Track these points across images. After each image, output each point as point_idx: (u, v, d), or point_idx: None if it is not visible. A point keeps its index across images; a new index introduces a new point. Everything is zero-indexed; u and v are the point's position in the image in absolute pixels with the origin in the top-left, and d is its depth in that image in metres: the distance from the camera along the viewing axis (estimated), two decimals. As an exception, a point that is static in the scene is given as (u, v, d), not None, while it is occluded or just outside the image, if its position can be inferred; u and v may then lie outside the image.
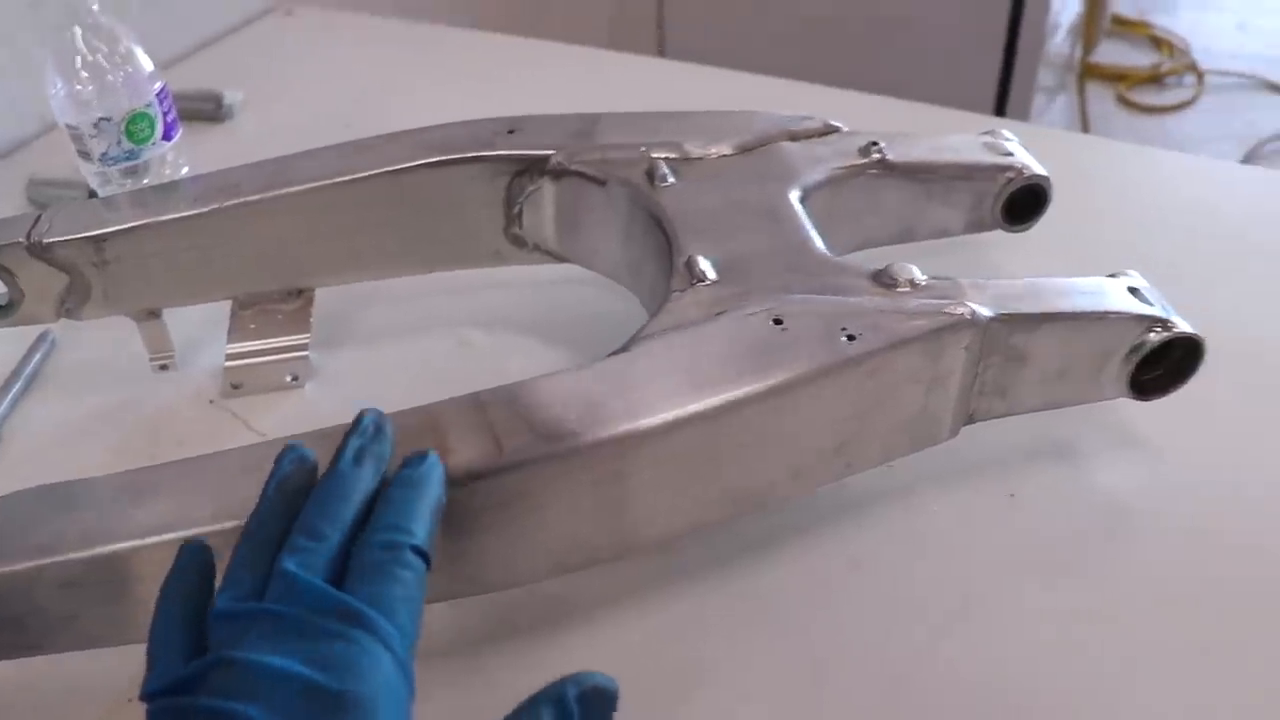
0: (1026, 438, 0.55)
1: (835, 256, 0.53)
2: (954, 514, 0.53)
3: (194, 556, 0.38)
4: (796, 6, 1.62)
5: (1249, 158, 2.13)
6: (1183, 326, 0.50)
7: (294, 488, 0.39)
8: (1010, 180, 0.62)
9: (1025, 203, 0.63)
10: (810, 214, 0.56)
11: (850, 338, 0.45)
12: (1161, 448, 0.56)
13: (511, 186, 0.61)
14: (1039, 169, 0.62)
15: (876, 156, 0.60)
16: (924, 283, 0.49)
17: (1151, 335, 0.50)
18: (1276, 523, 0.52)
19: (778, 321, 0.47)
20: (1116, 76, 2.44)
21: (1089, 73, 2.43)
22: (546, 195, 0.61)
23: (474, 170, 0.61)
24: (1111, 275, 0.52)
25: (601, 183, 0.59)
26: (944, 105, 0.85)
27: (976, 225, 0.64)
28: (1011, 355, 0.49)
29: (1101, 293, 0.51)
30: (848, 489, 0.50)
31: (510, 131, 0.62)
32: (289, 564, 0.35)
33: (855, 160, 0.60)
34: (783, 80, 0.90)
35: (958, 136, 0.64)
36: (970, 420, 0.51)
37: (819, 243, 0.53)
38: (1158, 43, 2.56)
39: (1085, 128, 2.20)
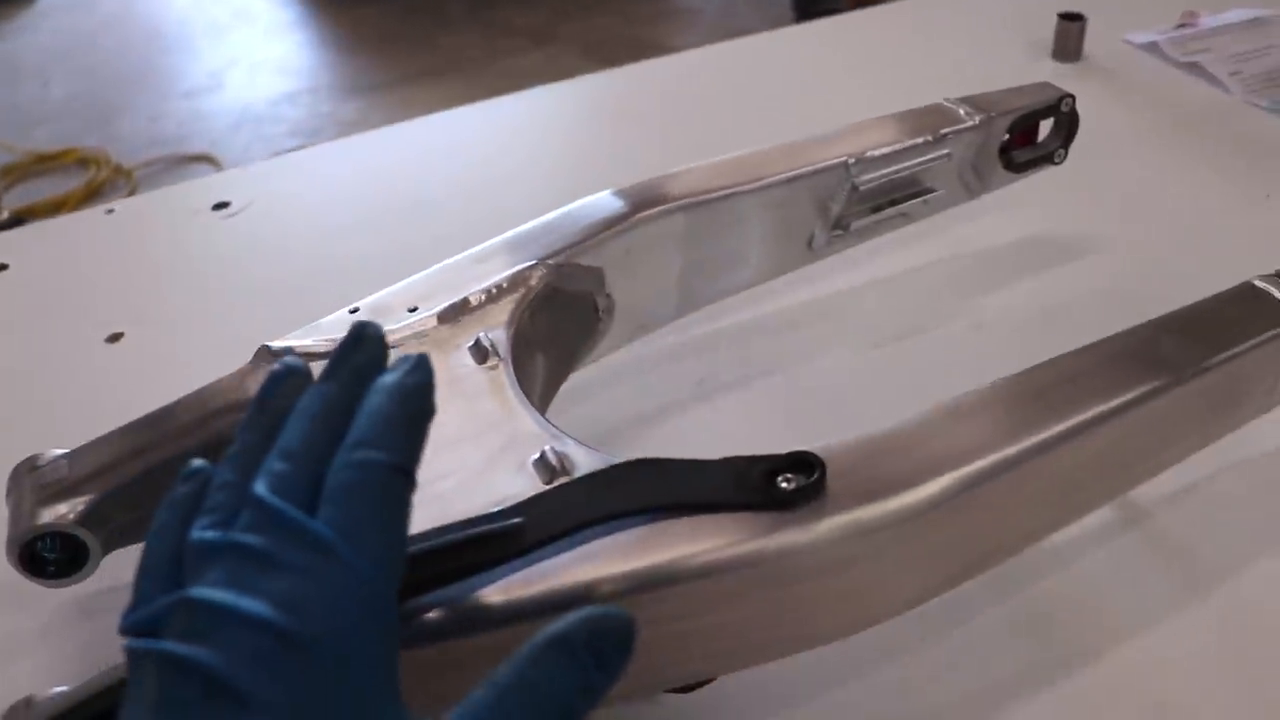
0: None
1: None
2: None
3: (194, 477, 0.34)
4: None
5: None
6: None
7: (281, 405, 0.34)
8: None
9: None
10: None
11: None
12: None
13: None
14: None
15: None
16: None
17: None
18: None
19: None
20: (56, 207, 2.51)
21: (28, 213, 2.47)
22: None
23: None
24: None
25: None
26: None
27: None
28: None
29: None
30: None
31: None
32: (260, 488, 0.31)
33: None
34: None
35: None
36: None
37: None
38: (86, 161, 2.69)
39: None
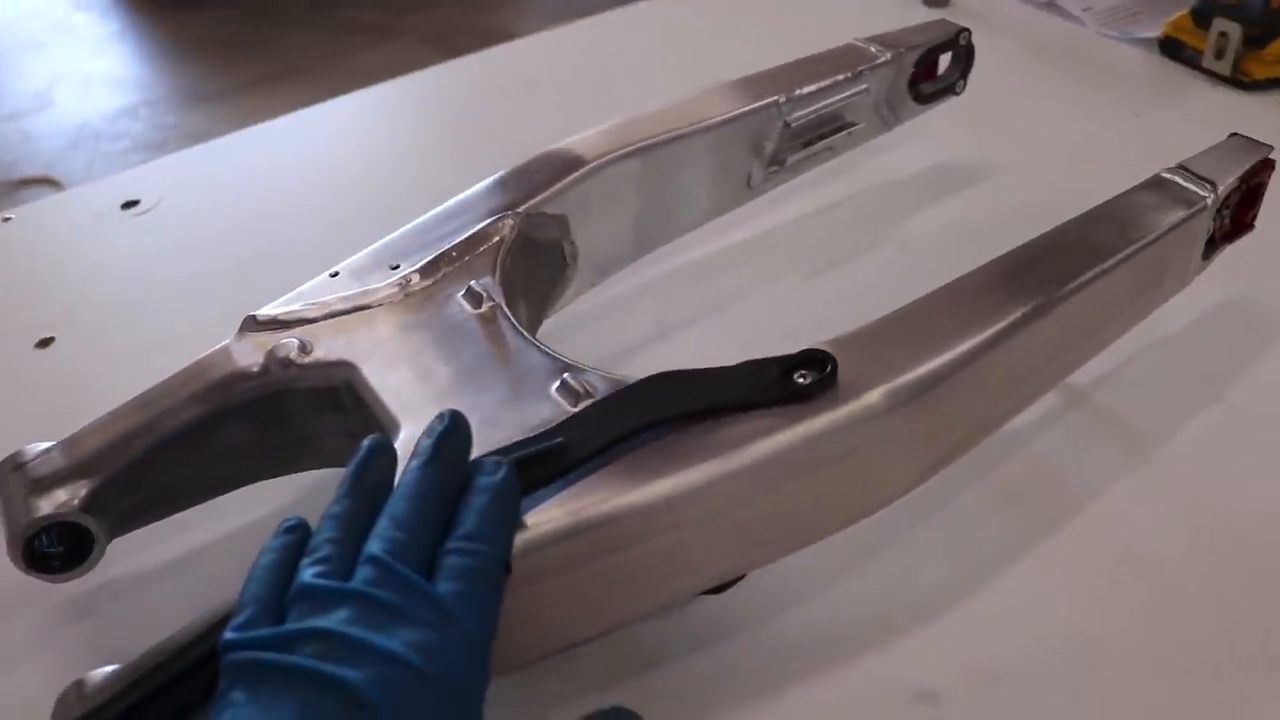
0: None
1: None
2: None
3: (296, 529, 0.38)
4: None
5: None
6: None
7: (375, 478, 0.39)
8: None
9: None
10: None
11: None
12: None
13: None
14: None
15: None
16: None
17: None
18: None
19: None
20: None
21: None
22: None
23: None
24: None
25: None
26: None
27: None
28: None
29: None
30: None
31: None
32: (380, 551, 0.36)
33: None
34: None
35: None
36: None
37: None
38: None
39: None
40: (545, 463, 0.40)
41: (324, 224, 0.76)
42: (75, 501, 0.45)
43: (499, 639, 0.38)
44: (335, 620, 0.34)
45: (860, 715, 0.44)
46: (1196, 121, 0.81)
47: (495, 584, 0.37)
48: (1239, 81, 0.85)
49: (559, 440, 0.40)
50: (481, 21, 3.05)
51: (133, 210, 0.80)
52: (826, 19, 0.97)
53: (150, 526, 0.50)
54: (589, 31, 1.05)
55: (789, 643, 0.47)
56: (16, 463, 0.47)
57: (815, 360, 0.43)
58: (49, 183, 2.46)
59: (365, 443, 0.40)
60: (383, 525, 0.37)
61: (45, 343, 0.67)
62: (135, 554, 0.52)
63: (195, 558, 0.53)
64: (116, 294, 0.72)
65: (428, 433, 0.39)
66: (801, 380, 0.42)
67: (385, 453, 0.40)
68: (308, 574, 0.35)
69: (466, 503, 0.38)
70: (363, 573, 0.35)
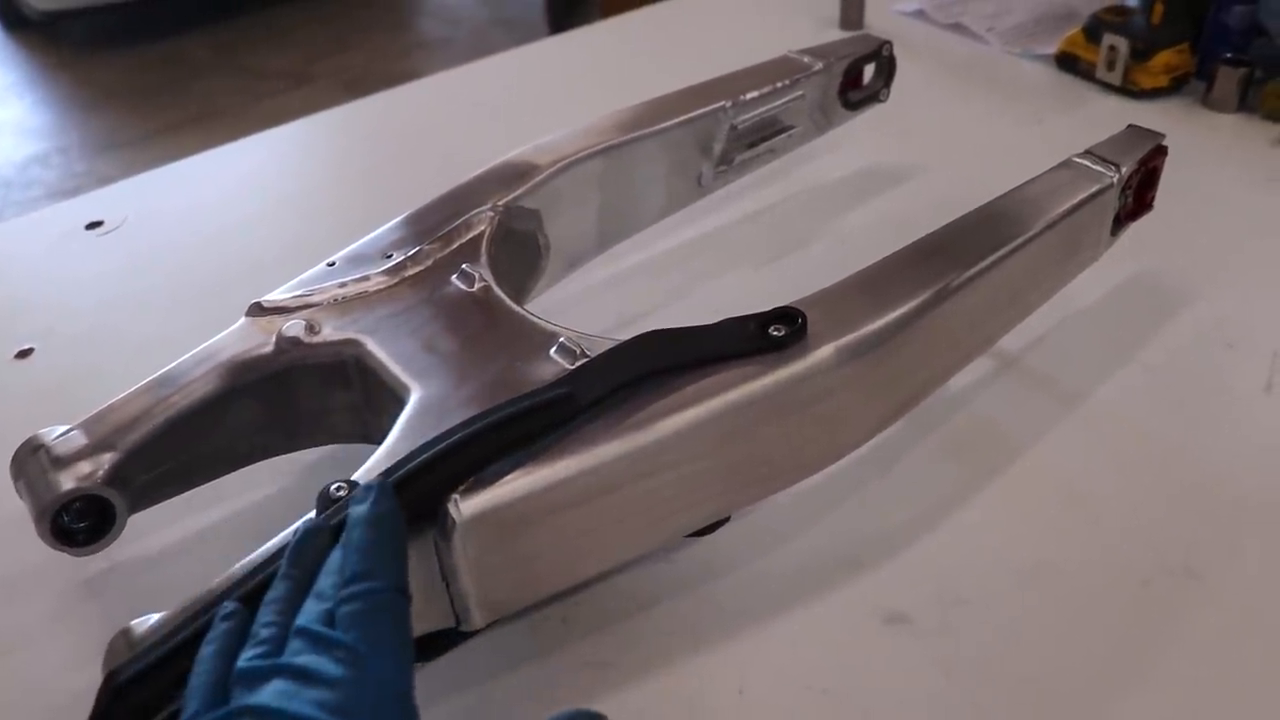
0: None
1: None
2: None
3: (233, 615, 0.39)
4: None
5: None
6: None
7: (310, 560, 0.40)
8: None
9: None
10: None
11: None
12: None
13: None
14: None
15: None
16: None
17: None
18: None
19: None
20: None
21: None
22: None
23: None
24: None
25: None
26: None
27: None
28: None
29: None
30: None
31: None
32: (307, 623, 0.37)
33: None
34: None
35: None
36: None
37: None
38: None
39: None
40: (554, 409, 0.44)
41: (279, 236, 0.80)
42: (99, 474, 0.48)
43: (512, 578, 0.41)
44: (262, 695, 0.35)
45: (842, 639, 0.49)
46: (1093, 125, 0.87)
47: (394, 616, 0.38)
48: (1128, 90, 0.93)
49: (565, 390, 0.44)
50: (392, 66, 3.09)
51: (98, 230, 0.82)
52: (751, 47, 1.04)
53: (153, 510, 0.52)
54: (501, 66, 1.10)
55: (771, 580, 0.52)
56: (34, 445, 0.49)
57: (787, 316, 0.48)
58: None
59: (300, 526, 0.42)
60: (309, 604, 0.38)
61: (24, 353, 0.69)
62: (140, 539, 0.54)
63: (198, 540, 0.55)
64: (91, 306, 0.74)
65: (349, 501, 0.41)
66: (776, 333, 0.47)
67: (319, 534, 0.41)
68: (244, 660, 0.37)
69: (344, 541, 0.39)
70: (292, 645, 0.37)
